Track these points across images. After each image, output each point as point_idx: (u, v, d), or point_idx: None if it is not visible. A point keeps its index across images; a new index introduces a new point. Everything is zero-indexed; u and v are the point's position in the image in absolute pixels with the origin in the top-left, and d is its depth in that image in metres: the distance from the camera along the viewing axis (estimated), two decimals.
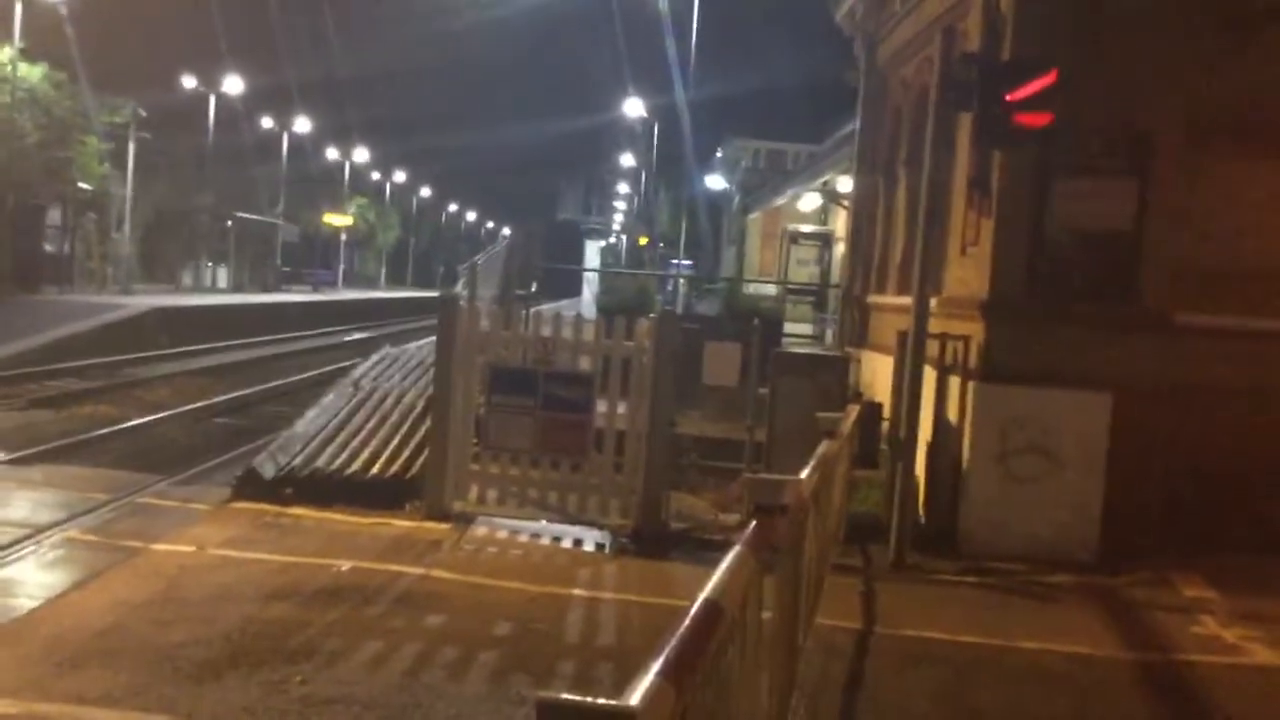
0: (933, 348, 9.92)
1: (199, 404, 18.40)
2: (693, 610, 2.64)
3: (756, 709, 3.96)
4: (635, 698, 1.95)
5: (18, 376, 19.40)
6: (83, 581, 7.31)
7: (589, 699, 1.71)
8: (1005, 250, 9.80)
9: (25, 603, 6.82)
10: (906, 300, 10.18)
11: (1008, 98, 8.59)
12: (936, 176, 9.44)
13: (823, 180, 28.24)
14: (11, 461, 11.54)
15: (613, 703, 1.78)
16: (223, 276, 54.01)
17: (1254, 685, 6.85)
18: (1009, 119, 8.64)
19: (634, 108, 51.03)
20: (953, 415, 10.00)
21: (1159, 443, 9.60)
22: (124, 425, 15.40)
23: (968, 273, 10.51)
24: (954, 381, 10.07)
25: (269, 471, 10.11)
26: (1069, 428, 9.52)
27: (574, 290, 40.50)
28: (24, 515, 9.13)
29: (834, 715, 5.79)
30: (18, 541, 8.21)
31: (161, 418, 16.57)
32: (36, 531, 8.52)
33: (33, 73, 32.70)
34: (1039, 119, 8.62)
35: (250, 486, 9.86)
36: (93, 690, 5.41)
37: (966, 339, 10.09)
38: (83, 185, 36.83)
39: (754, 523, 3.89)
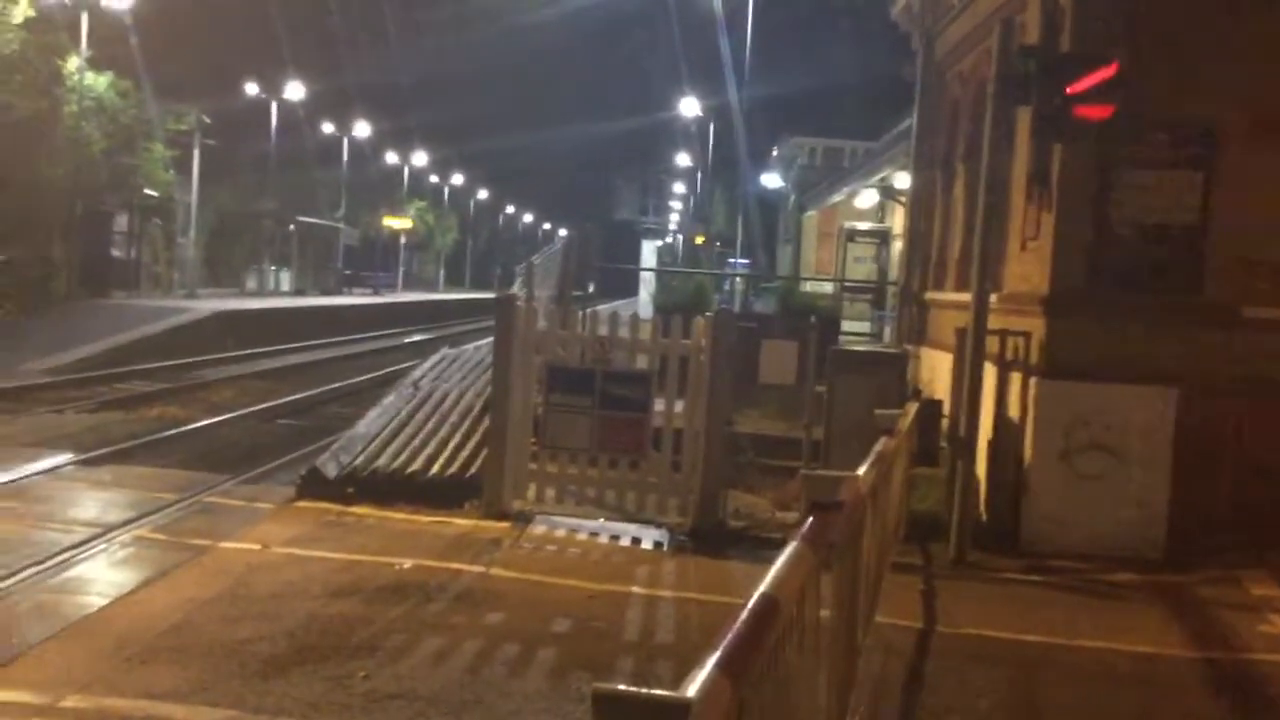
0: (993, 344, 9.83)
1: (263, 405, 18.67)
2: (749, 605, 2.65)
3: (815, 707, 3.96)
4: (692, 690, 1.97)
5: (88, 379, 19.82)
6: (151, 579, 7.47)
7: (645, 690, 1.73)
8: (1066, 244, 9.68)
9: (96, 600, 6.97)
10: (965, 297, 10.09)
11: (1067, 90, 8.50)
12: (995, 171, 9.35)
13: (879, 177, 28.03)
14: (82, 462, 11.79)
15: (669, 694, 1.79)
16: (285, 280, 54.72)
17: None
18: (1069, 112, 8.54)
19: (690, 107, 51.04)
20: (1014, 412, 9.90)
21: (1226, 439, 9.44)
22: (190, 426, 15.67)
23: (1028, 268, 10.39)
24: (1015, 378, 9.96)
25: (331, 471, 10.24)
26: (1134, 424, 9.38)
27: (630, 290, 40.55)
28: (94, 515, 9.33)
29: (894, 715, 5.77)
30: (88, 540, 8.39)
31: (226, 419, 16.84)
32: (106, 530, 8.71)
33: (99, 82, 33.36)
34: (1100, 111, 8.51)
35: (313, 486, 10.01)
36: (161, 685, 5.52)
37: (1027, 335, 9.98)
38: (148, 191, 37.49)
39: (810, 519, 3.88)
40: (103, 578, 7.58)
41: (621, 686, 1.71)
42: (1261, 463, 9.40)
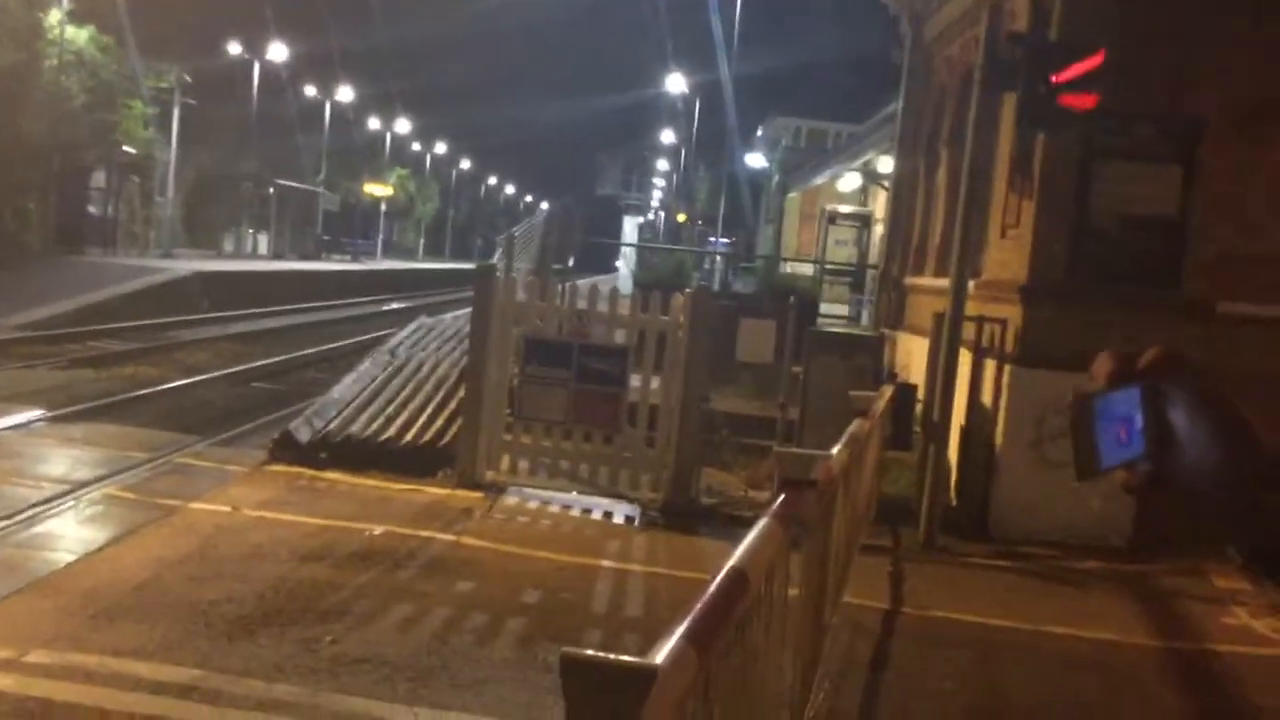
0: (969, 330, 9.87)
1: (237, 368, 18.56)
2: (718, 578, 2.65)
3: (781, 683, 3.98)
4: (659, 657, 1.97)
5: (61, 336, 19.64)
6: (120, 537, 7.43)
7: (613, 656, 1.73)
8: (1046, 234, 9.72)
9: (63, 556, 6.94)
10: (944, 282, 10.12)
11: (1053, 79, 8.50)
12: (978, 158, 9.36)
13: (863, 160, 28.05)
14: (53, 419, 11.70)
15: (637, 660, 1.80)
16: (263, 243, 54.34)
17: None
18: (1054, 100, 8.55)
19: (676, 84, 50.85)
20: (987, 398, 9.95)
21: None
22: (164, 386, 15.56)
23: (1007, 255, 10.43)
24: (990, 365, 10.01)
25: (304, 436, 10.21)
26: None
27: (611, 266, 40.52)
28: (64, 471, 9.27)
29: (859, 693, 5.81)
30: (58, 497, 8.34)
31: (200, 380, 16.73)
32: (76, 487, 8.66)
33: (80, 35, 32.95)
34: (1084, 101, 8.52)
35: (286, 450, 9.97)
36: (128, 643, 5.50)
37: (1004, 322, 10.02)
38: (127, 149, 37.11)
39: (782, 496, 3.89)
40: (71, 534, 7.54)
41: (590, 652, 1.71)
42: None
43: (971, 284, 9.95)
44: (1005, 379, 9.71)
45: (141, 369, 17.32)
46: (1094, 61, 8.43)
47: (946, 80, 14.12)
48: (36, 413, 11.80)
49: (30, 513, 7.86)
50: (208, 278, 31.26)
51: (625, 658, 1.76)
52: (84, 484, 8.80)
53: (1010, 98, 9.31)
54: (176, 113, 39.67)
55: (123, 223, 40.12)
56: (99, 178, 38.17)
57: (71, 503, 8.26)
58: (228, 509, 8.24)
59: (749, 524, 3.47)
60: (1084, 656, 6.86)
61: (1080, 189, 9.68)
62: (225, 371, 17.94)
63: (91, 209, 38.02)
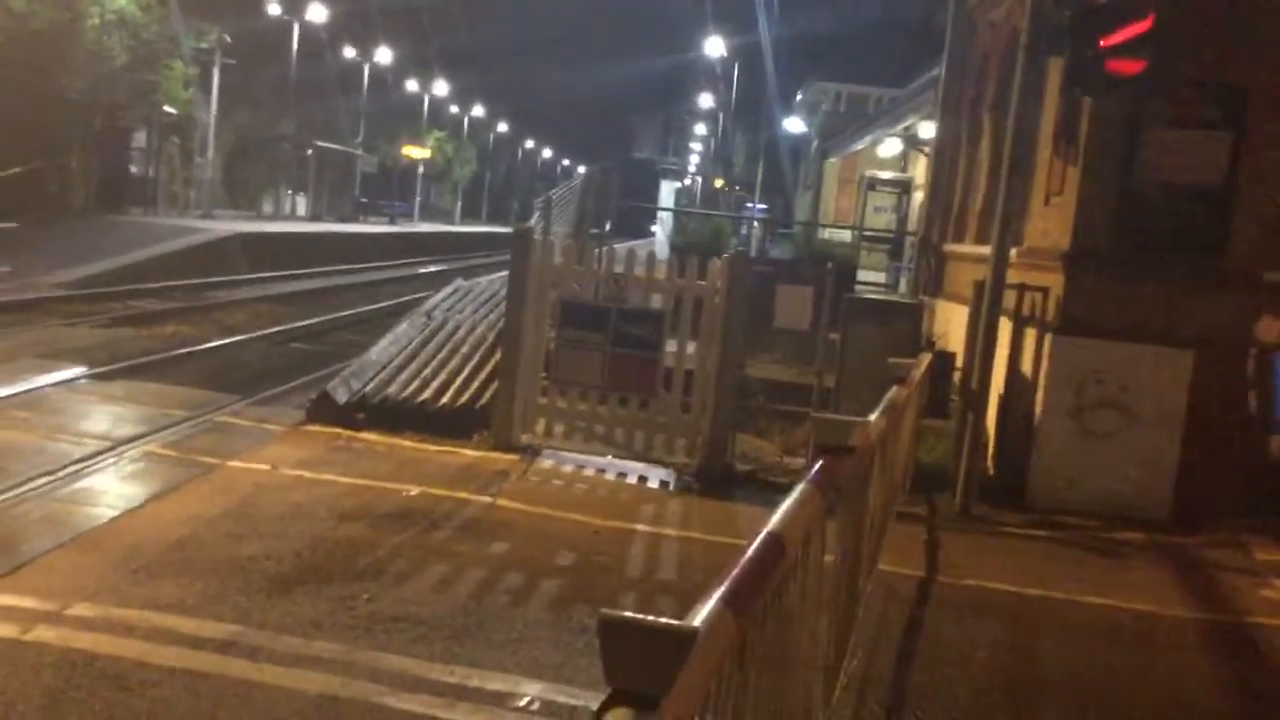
0: (1010, 298, 9.77)
1: (276, 329, 18.70)
2: (755, 543, 2.65)
3: (815, 648, 3.98)
4: (697, 620, 1.97)
5: (102, 295, 19.85)
6: (160, 494, 7.52)
7: (651, 617, 1.73)
8: (1090, 201, 9.58)
9: (105, 512, 7.03)
10: (985, 250, 10.01)
11: (1101, 43, 8.35)
12: (1022, 123, 9.23)
13: (904, 125, 27.75)
14: (94, 376, 11.84)
15: (675, 622, 1.79)
16: (302, 205, 54.58)
17: None
18: (1101, 65, 8.41)
19: (715, 47, 50.43)
20: (1027, 367, 9.87)
21: (1240, 403, 9.39)
22: (203, 346, 15.71)
23: (1050, 223, 10.30)
24: (1030, 333, 9.92)
25: (342, 396, 10.27)
26: (1148, 384, 9.35)
27: (648, 230, 40.39)
28: (105, 428, 9.39)
29: (892, 659, 5.80)
30: (99, 453, 8.45)
31: (239, 340, 16.89)
32: (117, 444, 8.76)
33: None
34: (1132, 66, 8.37)
35: (323, 410, 10.04)
36: (168, 598, 5.58)
37: (1045, 290, 9.92)
38: (168, 109, 37.26)
39: (819, 462, 3.87)
40: (112, 490, 7.64)
41: (628, 613, 1.71)
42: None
43: (1013, 251, 9.85)
44: (1046, 347, 9.61)
45: (181, 328, 17.50)
46: (1143, 25, 8.27)
47: (990, 44, 13.92)
48: (79, 370, 11.95)
49: (73, 468, 7.97)
50: (247, 239, 31.45)
51: (664, 619, 1.75)
52: (125, 441, 8.91)
53: (1056, 63, 9.17)
54: (217, 73, 39.78)
55: (163, 183, 40.38)
56: (139, 138, 38.39)
57: (113, 459, 8.37)
58: (266, 468, 8.31)
59: (784, 490, 3.46)
60: (1121, 627, 6.82)
61: (1126, 157, 9.52)
62: (264, 332, 18.10)
63: (133, 169, 38.30)
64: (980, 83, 14.41)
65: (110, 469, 8.14)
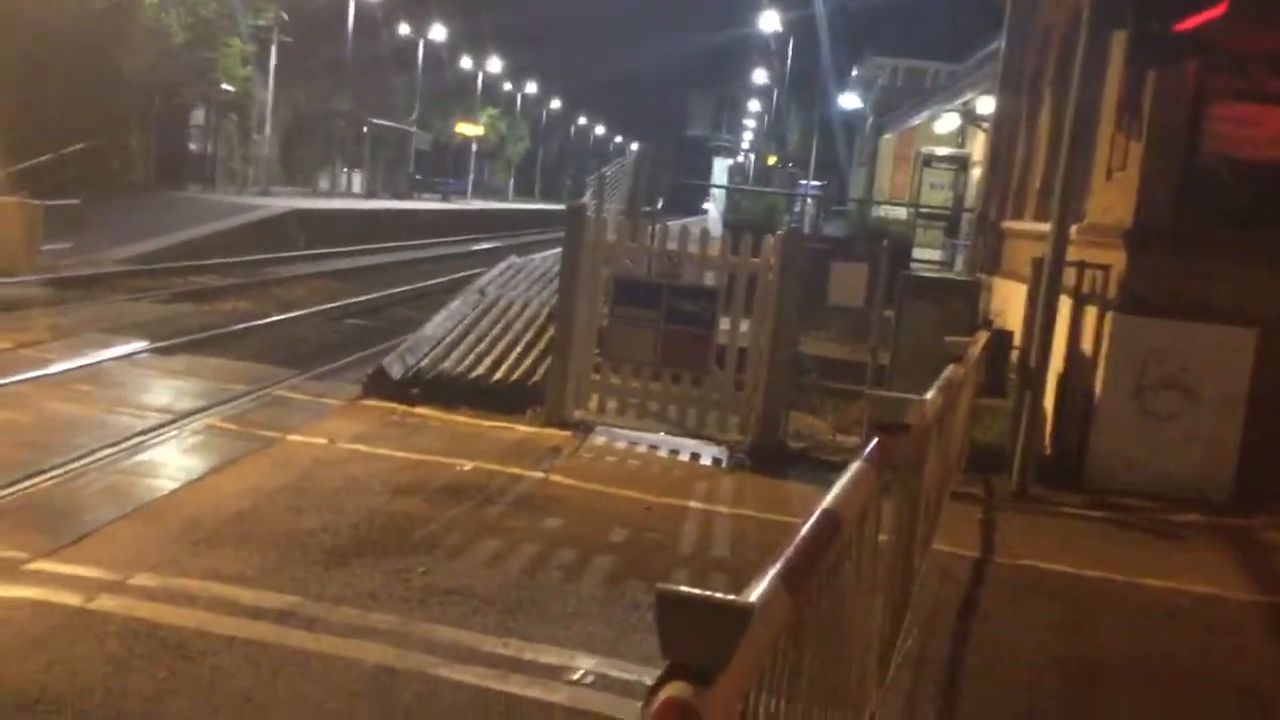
0: (1070, 276, 9.62)
1: (332, 305, 18.90)
2: (811, 520, 2.63)
3: (869, 627, 3.95)
4: (753, 596, 1.96)
5: (163, 270, 20.15)
6: (220, 467, 7.63)
7: (708, 593, 1.72)
8: (1154, 177, 9.40)
9: (166, 484, 7.14)
10: (1044, 227, 9.87)
11: (1174, 29, 8.17)
12: (1085, 97, 9.06)
13: (962, 100, 27.42)
14: (156, 350, 12.03)
15: (732, 598, 1.79)
16: (357, 182, 54.98)
17: None
18: (1166, 36, 8.22)
19: (769, 21, 49.97)
20: (1087, 346, 9.72)
21: None
22: (261, 321, 15.92)
23: (1112, 199, 10.13)
24: (1090, 312, 9.76)
25: (397, 372, 10.36)
26: (1210, 364, 9.18)
27: (700, 208, 40.25)
28: (167, 401, 9.54)
29: (947, 640, 5.76)
30: (160, 426, 8.58)
31: (297, 316, 17.08)
32: (178, 417, 8.91)
33: None
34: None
35: (379, 385, 10.14)
36: (228, 569, 5.66)
37: (1106, 268, 9.75)
38: (226, 86, 37.65)
39: (875, 441, 3.84)
40: (173, 463, 7.76)
41: (685, 588, 1.70)
42: None
43: (1073, 228, 9.69)
44: (1106, 326, 9.46)
45: (240, 304, 17.74)
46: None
47: (1052, 17, 13.68)
48: (141, 344, 12.14)
49: (135, 440, 8.10)
50: (304, 215, 31.75)
51: (721, 595, 1.74)
52: (186, 414, 9.05)
53: (1119, 36, 8.99)
54: (274, 51, 40.08)
55: (221, 160, 40.84)
56: (198, 115, 38.85)
57: (174, 432, 8.50)
58: (324, 441, 8.40)
59: (837, 468, 3.44)
60: (1181, 609, 6.72)
61: (1191, 130, 9.33)
62: (321, 308, 18.29)
63: (191, 146, 38.78)
64: (1041, 56, 14.18)
65: (171, 442, 8.27)
